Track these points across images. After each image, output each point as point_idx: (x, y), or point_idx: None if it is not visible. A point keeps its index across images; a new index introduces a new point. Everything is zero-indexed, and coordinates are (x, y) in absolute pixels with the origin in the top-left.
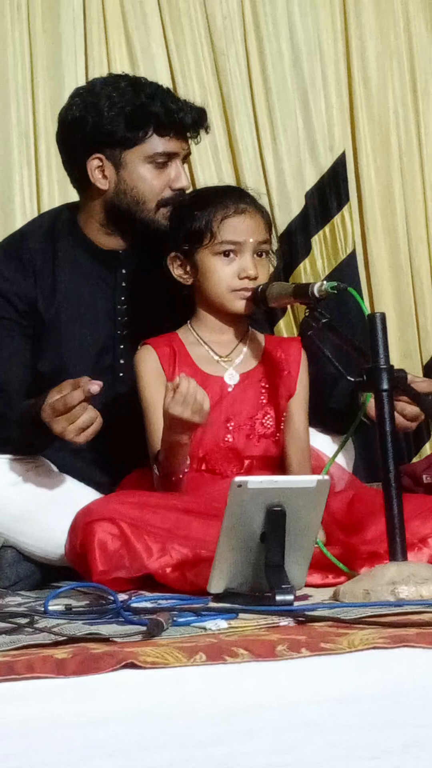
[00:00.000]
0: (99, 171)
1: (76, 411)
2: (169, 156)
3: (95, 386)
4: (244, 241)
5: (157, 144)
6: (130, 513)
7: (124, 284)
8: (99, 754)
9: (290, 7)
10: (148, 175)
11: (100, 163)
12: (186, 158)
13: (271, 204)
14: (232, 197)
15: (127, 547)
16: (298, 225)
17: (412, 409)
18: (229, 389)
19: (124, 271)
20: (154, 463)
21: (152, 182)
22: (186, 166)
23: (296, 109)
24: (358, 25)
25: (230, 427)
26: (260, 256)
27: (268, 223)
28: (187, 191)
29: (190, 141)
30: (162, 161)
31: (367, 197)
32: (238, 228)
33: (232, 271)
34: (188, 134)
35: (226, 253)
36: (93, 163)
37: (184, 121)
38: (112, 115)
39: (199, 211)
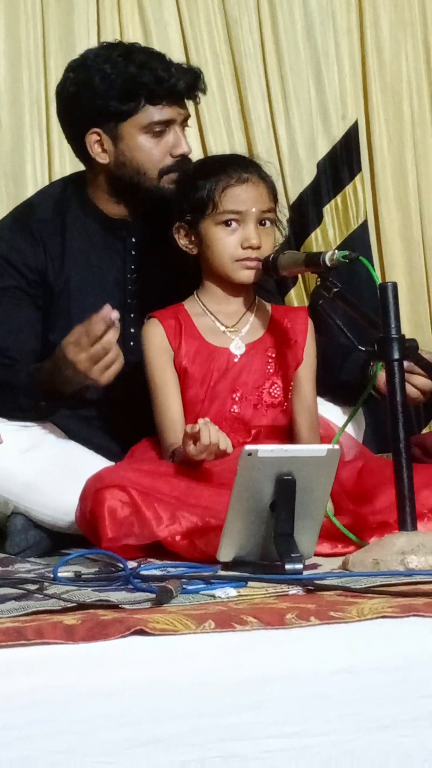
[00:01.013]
0: (98, 145)
1: (98, 350)
2: (166, 123)
3: (114, 312)
4: (247, 211)
5: (151, 113)
6: (140, 480)
7: (133, 253)
8: (109, 724)
9: None
10: (146, 145)
11: (99, 138)
12: (185, 122)
13: (283, 173)
14: (236, 166)
15: (137, 515)
16: (309, 194)
17: (425, 382)
18: (236, 359)
19: (133, 240)
20: (169, 456)
21: (151, 152)
22: (186, 131)
23: (309, 78)
24: None
25: (236, 398)
26: (264, 225)
27: (273, 191)
28: (190, 155)
29: (191, 104)
30: (159, 130)
31: (379, 167)
32: (240, 197)
33: (235, 240)
34: (184, 98)
35: (228, 223)
36: (91, 138)
37: (176, 87)
38: (104, 89)
39: (202, 181)
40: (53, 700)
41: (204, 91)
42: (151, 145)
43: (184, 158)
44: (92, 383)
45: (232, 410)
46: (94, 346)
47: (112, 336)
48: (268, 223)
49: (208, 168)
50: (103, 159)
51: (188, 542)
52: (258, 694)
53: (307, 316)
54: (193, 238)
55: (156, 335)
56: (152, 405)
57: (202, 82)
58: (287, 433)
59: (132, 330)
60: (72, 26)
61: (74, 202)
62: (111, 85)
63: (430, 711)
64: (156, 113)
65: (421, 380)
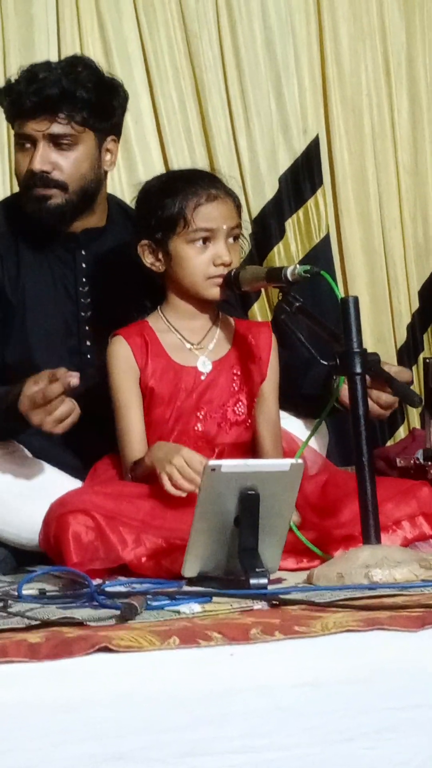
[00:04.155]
0: None
1: (54, 404)
2: (25, 139)
3: (74, 379)
4: (218, 228)
5: (17, 125)
6: (104, 504)
7: (84, 265)
8: (72, 739)
9: None
10: (16, 156)
11: None
12: (55, 139)
13: (245, 187)
14: (203, 183)
15: (102, 539)
16: (271, 208)
17: (387, 397)
18: (202, 377)
19: (83, 252)
20: (129, 472)
21: (17, 163)
22: (47, 147)
23: (269, 91)
24: (330, 7)
25: (200, 416)
26: (234, 240)
27: (239, 206)
28: (49, 173)
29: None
30: (20, 143)
31: (340, 180)
32: (211, 215)
33: (207, 258)
34: (43, 114)
35: (202, 241)
36: None
37: (23, 106)
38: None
39: (169, 198)
40: (16, 715)
41: (82, 115)
42: (17, 157)
43: (35, 174)
44: (46, 432)
45: (196, 428)
46: (50, 404)
47: (67, 389)
48: (235, 239)
49: (174, 185)
50: None
51: (154, 563)
52: (222, 708)
53: (270, 331)
54: (160, 256)
55: (121, 354)
56: (115, 422)
57: (59, 100)
58: (251, 449)
59: (88, 343)
60: (32, 39)
61: (24, 217)
62: None
63: (393, 723)
64: (17, 127)
65: (384, 396)
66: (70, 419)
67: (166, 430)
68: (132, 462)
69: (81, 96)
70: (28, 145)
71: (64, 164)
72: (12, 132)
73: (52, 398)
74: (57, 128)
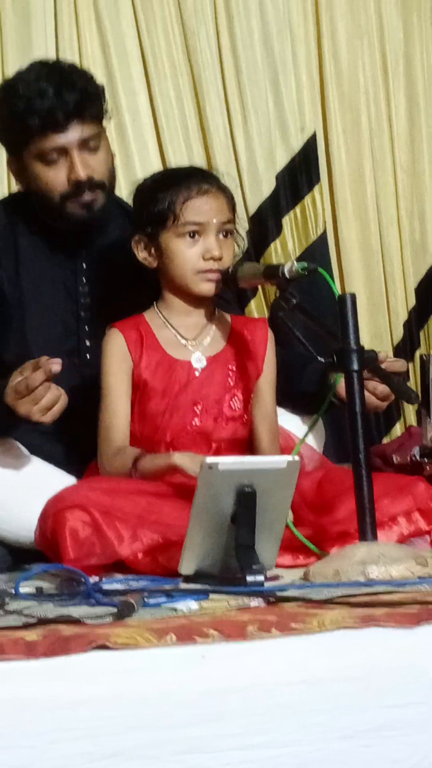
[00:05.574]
0: (14, 171)
1: (38, 392)
2: (57, 152)
3: (56, 365)
4: (208, 222)
5: (42, 143)
6: (101, 500)
7: (84, 265)
8: (68, 737)
9: None
10: (42, 174)
11: (12, 165)
12: (86, 143)
13: (242, 185)
14: (195, 178)
15: (98, 534)
16: (269, 206)
17: (384, 389)
18: (196, 373)
19: (84, 252)
20: (132, 464)
21: (46, 180)
22: (102, 148)
23: (267, 89)
24: (328, 4)
25: (197, 410)
26: (225, 236)
27: (232, 202)
28: (93, 177)
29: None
30: (52, 158)
31: (337, 178)
32: (201, 209)
33: (196, 252)
34: (72, 122)
35: (190, 234)
36: (10, 164)
37: (55, 120)
38: (1, 133)
39: (161, 193)
40: (13, 713)
41: (98, 113)
42: (46, 173)
43: (82, 182)
44: (35, 423)
45: (193, 423)
46: (35, 391)
47: (50, 375)
48: (227, 234)
49: (166, 180)
50: (20, 185)
51: (150, 559)
52: (219, 706)
53: (267, 327)
54: (152, 251)
55: (116, 345)
56: (101, 408)
57: (88, 105)
58: (247, 445)
59: (87, 343)
60: (30, 37)
61: (24, 216)
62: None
63: (391, 720)
64: (46, 142)
65: (381, 388)
66: (58, 407)
67: (162, 423)
68: (114, 448)
69: (93, 91)
70: (55, 157)
71: (97, 164)
72: None
73: (35, 386)
74: (87, 131)
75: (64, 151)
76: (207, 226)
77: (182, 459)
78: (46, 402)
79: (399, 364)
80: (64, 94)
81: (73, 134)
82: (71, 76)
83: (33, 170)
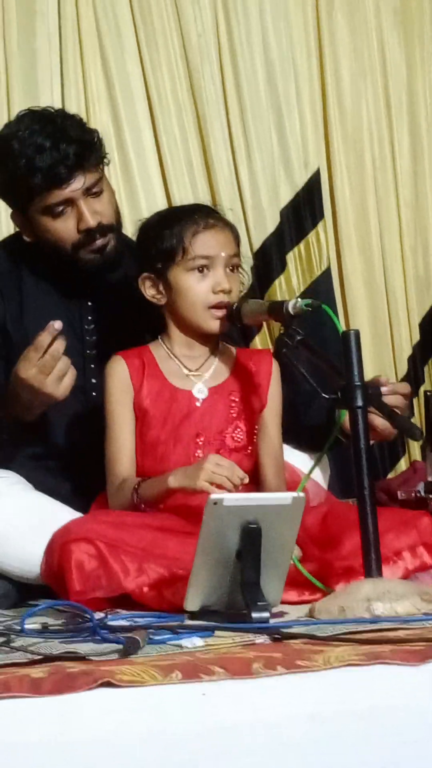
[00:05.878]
0: (19, 225)
1: (46, 360)
2: (63, 204)
3: (57, 323)
4: (216, 255)
5: (47, 199)
6: (107, 533)
7: (90, 303)
8: None
9: (264, 24)
10: (51, 227)
11: (17, 219)
12: (90, 190)
13: (246, 221)
14: (200, 213)
15: (104, 567)
16: (273, 242)
17: (382, 422)
18: (198, 403)
19: (89, 290)
20: (132, 492)
21: (56, 232)
22: (107, 191)
23: (271, 126)
24: (331, 43)
25: (200, 442)
26: (232, 270)
27: (237, 237)
28: (102, 222)
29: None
30: (59, 211)
31: (341, 214)
32: (209, 242)
33: (206, 286)
34: (75, 174)
35: (199, 269)
36: (14, 218)
37: (58, 175)
38: (2, 190)
39: (167, 230)
40: (18, 750)
41: (99, 161)
42: (55, 225)
43: (93, 230)
44: (49, 399)
45: (196, 454)
46: (43, 357)
47: (59, 345)
48: (234, 269)
49: (172, 217)
50: (28, 237)
51: (156, 593)
52: (225, 743)
53: (271, 358)
54: (161, 287)
55: (118, 372)
56: (106, 439)
57: (88, 155)
58: (253, 477)
59: (93, 381)
60: (35, 77)
61: (28, 255)
62: (5, 188)
63: (397, 758)
64: (50, 198)
65: (377, 420)
66: (68, 378)
67: (165, 452)
68: (119, 479)
69: (89, 138)
70: (62, 209)
71: (103, 208)
72: None
73: (44, 347)
74: (90, 179)
75: (70, 202)
76: (216, 260)
77: (176, 480)
78: (58, 371)
79: (402, 386)
80: (62, 148)
81: (77, 185)
82: (65, 126)
83: (40, 224)
